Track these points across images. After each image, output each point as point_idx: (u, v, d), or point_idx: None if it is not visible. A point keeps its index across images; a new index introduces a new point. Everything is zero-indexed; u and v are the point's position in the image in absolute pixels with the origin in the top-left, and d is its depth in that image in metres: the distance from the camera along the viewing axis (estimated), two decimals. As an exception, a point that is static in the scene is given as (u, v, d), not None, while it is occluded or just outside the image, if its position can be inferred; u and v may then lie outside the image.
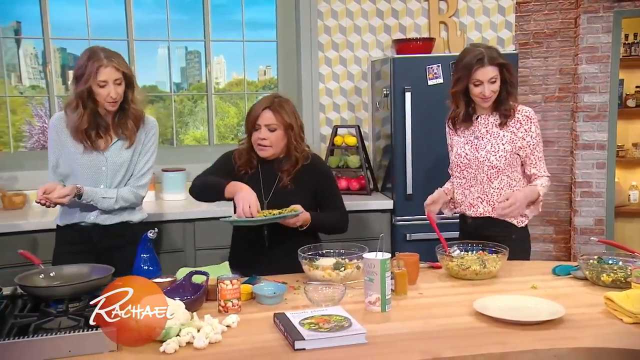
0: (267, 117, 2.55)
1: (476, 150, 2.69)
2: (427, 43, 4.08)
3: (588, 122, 4.62)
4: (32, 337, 1.65)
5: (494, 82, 2.59)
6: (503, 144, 2.65)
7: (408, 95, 3.77)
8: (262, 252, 2.62)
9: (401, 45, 4.09)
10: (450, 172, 2.88)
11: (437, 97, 3.75)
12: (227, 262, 2.45)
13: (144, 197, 2.76)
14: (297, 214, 2.49)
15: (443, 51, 4.32)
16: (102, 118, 2.60)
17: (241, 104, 4.54)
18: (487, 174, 2.68)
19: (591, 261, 2.32)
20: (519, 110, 2.67)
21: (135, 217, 2.74)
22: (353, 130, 4.18)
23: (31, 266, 2.23)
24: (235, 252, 2.73)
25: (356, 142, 4.11)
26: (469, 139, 2.73)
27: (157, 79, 4.60)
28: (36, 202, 2.50)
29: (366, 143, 4.26)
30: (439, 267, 2.50)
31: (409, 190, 3.79)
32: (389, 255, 2.05)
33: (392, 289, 2.09)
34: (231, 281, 2.02)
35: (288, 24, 4.36)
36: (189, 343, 1.75)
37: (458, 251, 2.50)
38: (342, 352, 1.70)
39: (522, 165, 2.72)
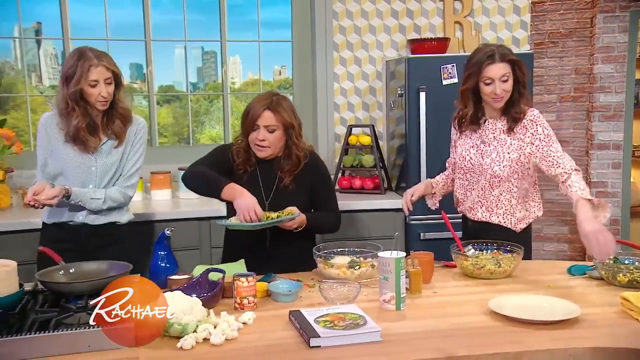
0: (267, 118, 2.48)
1: (481, 156, 2.62)
2: (442, 43, 4.08)
3: (604, 122, 4.59)
4: (53, 332, 1.68)
5: (506, 80, 2.49)
6: (509, 153, 2.56)
7: (422, 95, 3.77)
8: (262, 255, 2.58)
9: (416, 45, 4.09)
10: (447, 165, 2.86)
11: (452, 97, 3.71)
12: (242, 260, 2.45)
13: (132, 197, 2.76)
14: (294, 217, 2.46)
15: (458, 51, 4.31)
16: (92, 118, 2.60)
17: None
18: (488, 181, 2.61)
19: (607, 261, 2.29)
20: (525, 114, 2.57)
21: (124, 217, 2.75)
22: (367, 130, 4.18)
23: (50, 262, 2.26)
24: (231, 253, 2.63)
25: (370, 142, 4.12)
26: (476, 142, 2.65)
27: (173, 79, 4.63)
28: (25, 203, 2.51)
29: (380, 142, 4.27)
30: (454, 266, 2.50)
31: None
32: (404, 254, 2.06)
33: (406, 288, 2.09)
34: (247, 279, 2.04)
35: (303, 24, 4.38)
36: (205, 339, 1.76)
37: (473, 250, 2.49)
38: (357, 349, 1.71)
39: (534, 171, 2.62)
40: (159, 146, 4.38)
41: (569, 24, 4.62)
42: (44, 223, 2.72)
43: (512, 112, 2.56)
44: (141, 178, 3.82)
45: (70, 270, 2.14)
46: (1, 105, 4.20)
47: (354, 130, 4.22)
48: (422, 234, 3.81)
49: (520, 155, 2.56)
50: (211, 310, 1.91)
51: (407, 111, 3.86)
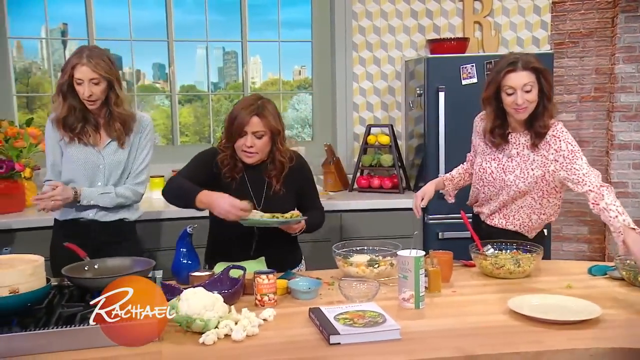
0: (255, 124, 2.42)
1: (503, 172, 2.53)
2: (461, 43, 4.08)
3: (624, 122, 4.55)
4: (79, 326, 1.72)
5: (529, 90, 2.35)
6: (532, 169, 2.47)
7: (442, 94, 3.77)
8: (247, 253, 2.55)
9: (435, 45, 4.09)
10: (468, 158, 2.82)
11: (471, 97, 3.74)
12: (263, 258, 2.47)
13: (143, 194, 2.79)
14: (301, 220, 2.46)
15: (477, 51, 4.31)
16: (92, 115, 2.64)
17: (276, 103, 4.59)
18: (510, 196, 2.54)
19: (628, 261, 2.27)
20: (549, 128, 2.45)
21: (133, 215, 2.78)
22: (386, 130, 4.19)
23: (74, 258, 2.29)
24: (217, 250, 2.60)
25: (389, 141, 4.13)
26: (497, 155, 2.56)
27: (195, 79, 4.69)
28: (36, 200, 2.56)
29: (399, 142, 4.27)
30: (473, 266, 2.50)
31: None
32: (423, 252, 2.07)
33: (425, 287, 2.10)
34: (267, 276, 2.06)
35: (323, 24, 4.40)
36: (226, 335, 1.79)
37: (492, 250, 2.49)
38: (377, 347, 1.72)
39: (562, 187, 2.53)
40: (180, 145, 4.43)
41: (590, 24, 4.58)
42: (55, 220, 2.76)
43: (536, 127, 2.42)
44: (162, 176, 3.89)
45: (95, 266, 2.18)
46: (28, 104, 4.29)
47: (373, 129, 4.23)
48: (440, 233, 3.81)
49: (544, 173, 2.47)
50: (232, 307, 1.92)
51: (426, 111, 3.86)
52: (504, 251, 2.48)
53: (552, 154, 2.43)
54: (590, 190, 2.32)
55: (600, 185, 2.32)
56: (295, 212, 2.46)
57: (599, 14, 4.56)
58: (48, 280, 1.94)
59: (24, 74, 4.38)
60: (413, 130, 4.17)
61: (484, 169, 2.60)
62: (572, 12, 4.57)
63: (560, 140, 2.42)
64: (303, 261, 2.74)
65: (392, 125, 4.20)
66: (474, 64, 3.79)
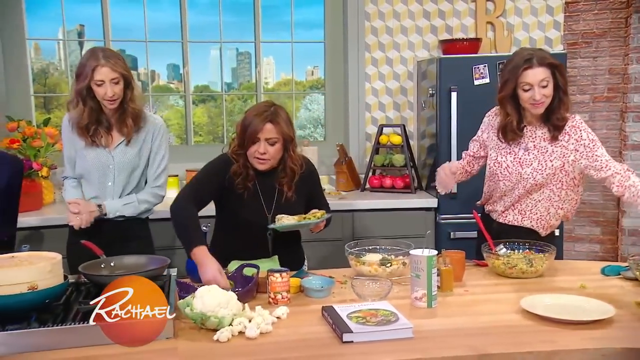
0: (268, 130, 2.42)
1: (520, 165, 2.53)
2: (474, 43, 4.08)
3: (638, 123, 4.52)
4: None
5: (545, 85, 2.39)
6: (551, 161, 2.49)
7: (454, 94, 3.78)
8: (263, 254, 2.54)
9: (447, 45, 4.09)
10: (464, 156, 2.80)
11: (484, 97, 3.74)
12: (276, 256, 2.50)
13: (164, 197, 2.83)
14: (325, 219, 2.48)
15: (490, 51, 4.30)
16: (105, 116, 2.66)
17: (289, 103, 4.62)
18: (527, 190, 2.55)
19: (640, 262, 2.27)
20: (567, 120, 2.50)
21: (145, 213, 2.81)
22: (398, 130, 4.20)
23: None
24: (222, 254, 2.43)
25: (401, 141, 4.14)
26: (513, 149, 2.56)
27: (209, 79, 4.72)
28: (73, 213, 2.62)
29: (411, 142, 4.28)
30: (485, 265, 2.51)
31: (454, 189, 3.80)
32: (436, 252, 2.08)
33: (437, 286, 2.10)
34: (281, 274, 2.08)
35: (335, 25, 4.42)
36: (240, 332, 1.81)
37: (504, 249, 2.50)
38: (389, 345, 1.73)
39: (580, 179, 2.55)
40: (194, 145, 4.46)
41: (603, 24, 4.56)
42: None
43: (554, 120, 2.46)
44: (177, 175, 3.93)
45: (111, 264, 2.22)
46: (45, 104, 4.36)
47: (385, 129, 4.24)
48: (452, 233, 3.82)
49: (564, 164, 2.49)
50: (246, 305, 1.95)
51: (438, 111, 3.87)
52: (516, 251, 2.49)
53: (572, 143, 2.47)
54: (616, 172, 2.40)
55: (627, 169, 2.42)
56: (318, 211, 2.48)
57: (612, 14, 4.54)
58: (65, 277, 1.97)
59: (42, 75, 4.44)
60: (425, 130, 4.18)
61: (499, 163, 2.60)
62: (585, 12, 4.55)
63: (580, 130, 2.47)
64: (306, 262, 2.76)
65: (404, 125, 4.20)
66: (486, 64, 3.79)
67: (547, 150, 2.50)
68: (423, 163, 4.25)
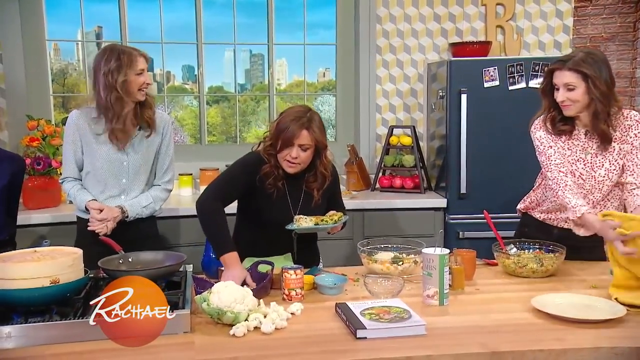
0: (304, 137, 2.43)
1: (592, 169, 2.46)
2: (484, 46, 4.10)
3: (647, 126, 4.54)
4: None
5: (572, 89, 2.36)
6: (621, 158, 2.44)
7: (464, 97, 3.80)
8: (284, 252, 2.55)
9: (457, 48, 4.12)
10: (562, 174, 2.48)
11: (493, 99, 3.80)
12: (289, 254, 2.52)
13: (172, 190, 2.88)
14: (343, 222, 2.51)
15: (499, 54, 4.33)
16: (125, 112, 2.63)
17: (301, 104, 4.66)
18: (603, 193, 2.48)
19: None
20: (626, 117, 2.44)
21: (154, 213, 2.82)
22: (408, 131, 4.23)
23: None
24: (247, 248, 2.51)
25: (411, 142, 4.17)
26: (580, 156, 2.47)
27: (223, 80, 4.77)
28: (93, 223, 2.61)
29: (421, 143, 4.31)
30: (495, 264, 2.53)
31: (463, 190, 3.83)
32: (447, 250, 2.10)
33: (449, 284, 2.12)
34: (295, 271, 2.11)
35: (347, 28, 4.45)
36: (256, 328, 1.84)
37: (515, 249, 2.52)
38: (402, 342, 1.75)
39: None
40: (208, 144, 4.51)
41: (612, 28, 4.58)
42: (78, 217, 2.79)
43: (599, 129, 2.40)
44: (191, 174, 3.97)
45: (129, 260, 2.26)
46: (64, 104, 4.41)
47: (395, 131, 4.27)
48: (461, 233, 3.85)
49: (625, 157, 2.46)
50: (261, 301, 1.97)
51: (448, 113, 3.90)
52: (526, 251, 2.51)
53: (632, 137, 2.43)
54: (634, 182, 2.40)
55: None
56: (336, 213, 2.50)
57: (620, 18, 4.55)
58: (86, 271, 2.01)
59: (61, 75, 4.49)
60: (435, 132, 4.21)
61: (571, 172, 2.49)
62: (593, 17, 4.56)
63: None
64: (321, 263, 2.77)
65: (414, 127, 4.23)
66: (496, 67, 3.82)
67: (614, 149, 2.44)
68: (432, 164, 4.28)
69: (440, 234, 2.40)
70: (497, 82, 3.81)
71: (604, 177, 2.45)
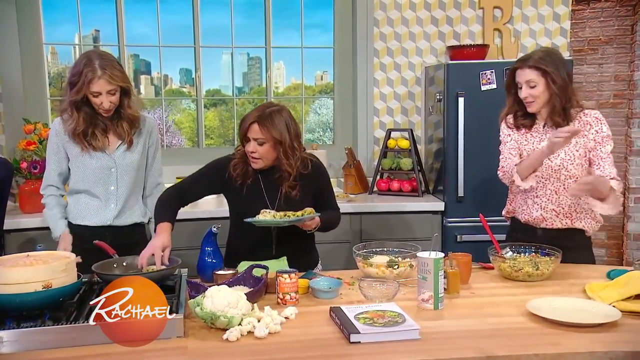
0: (255, 131, 2.44)
1: (548, 158, 2.55)
2: (481, 49, 4.10)
3: (644, 129, 4.55)
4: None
5: (534, 86, 2.51)
6: (577, 150, 2.56)
7: (461, 100, 3.81)
8: (267, 254, 2.55)
9: (455, 51, 4.12)
10: (512, 150, 2.69)
11: (490, 102, 3.79)
12: (284, 257, 2.51)
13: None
14: (314, 217, 2.48)
15: (497, 57, 4.33)
16: (101, 119, 2.58)
17: (298, 107, 4.67)
18: (563, 184, 2.58)
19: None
20: (587, 114, 2.58)
21: (145, 218, 2.79)
22: (406, 134, 4.23)
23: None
24: (236, 252, 2.60)
25: (409, 145, 4.17)
26: (537, 146, 2.60)
27: (220, 83, 4.77)
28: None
29: (418, 146, 4.31)
30: (491, 268, 2.52)
31: (461, 193, 3.83)
32: (443, 254, 2.09)
33: (444, 288, 2.11)
34: (289, 275, 2.10)
35: (345, 31, 4.46)
36: (249, 332, 1.82)
37: (510, 253, 2.51)
38: (396, 346, 1.74)
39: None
40: (205, 147, 4.50)
41: (609, 31, 4.58)
42: (69, 222, 2.70)
43: (554, 121, 2.55)
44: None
45: (124, 264, 2.25)
46: (61, 107, 4.40)
47: (393, 134, 4.27)
48: (458, 236, 3.84)
49: (585, 152, 2.57)
50: (255, 305, 1.96)
51: (445, 116, 3.90)
52: (522, 254, 2.51)
53: (593, 134, 2.56)
54: (600, 175, 2.49)
55: (611, 177, 2.50)
56: (309, 209, 2.48)
57: (618, 22, 4.56)
58: (79, 276, 2.00)
59: (58, 79, 4.48)
60: (432, 135, 4.21)
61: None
62: (591, 20, 4.58)
63: (602, 123, 2.58)
64: (320, 265, 2.76)
65: (411, 130, 4.23)
66: (493, 70, 3.82)
67: (570, 142, 2.52)
68: (430, 167, 4.28)
69: (436, 237, 2.39)
70: (494, 85, 3.81)
71: (559, 166, 2.57)
